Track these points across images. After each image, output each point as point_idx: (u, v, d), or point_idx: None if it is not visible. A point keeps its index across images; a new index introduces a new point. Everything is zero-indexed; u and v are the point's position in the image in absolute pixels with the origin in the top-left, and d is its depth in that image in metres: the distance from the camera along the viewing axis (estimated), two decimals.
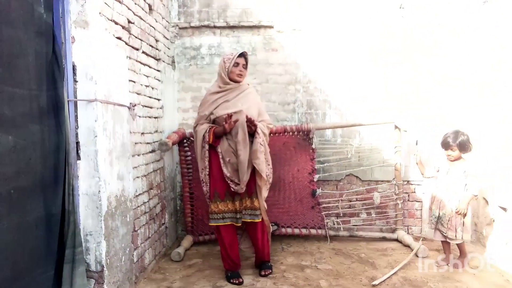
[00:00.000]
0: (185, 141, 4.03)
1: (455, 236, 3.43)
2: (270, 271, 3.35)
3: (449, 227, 3.43)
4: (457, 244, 3.51)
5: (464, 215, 3.41)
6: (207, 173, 3.18)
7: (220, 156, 3.14)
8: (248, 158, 3.07)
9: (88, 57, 2.43)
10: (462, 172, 3.42)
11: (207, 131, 3.13)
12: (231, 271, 3.25)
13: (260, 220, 3.21)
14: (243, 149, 3.06)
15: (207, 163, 3.16)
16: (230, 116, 3.04)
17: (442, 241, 3.57)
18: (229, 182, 3.13)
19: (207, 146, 3.14)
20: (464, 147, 3.38)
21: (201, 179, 3.23)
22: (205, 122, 3.20)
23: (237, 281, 3.15)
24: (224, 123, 3.05)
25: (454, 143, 3.38)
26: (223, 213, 3.18)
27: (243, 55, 3.21)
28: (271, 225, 4.05)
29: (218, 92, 3.21)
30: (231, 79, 3.19)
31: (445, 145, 3.45)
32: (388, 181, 4.34)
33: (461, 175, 3.42)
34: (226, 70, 3.17)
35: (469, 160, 3.48)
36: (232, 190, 3.14)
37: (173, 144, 3.73)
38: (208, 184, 3.19)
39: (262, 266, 3.37)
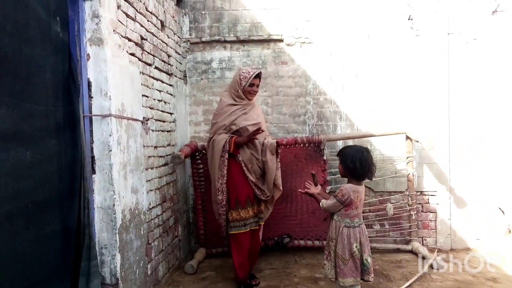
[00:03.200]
0: (197, 154, 4.07)
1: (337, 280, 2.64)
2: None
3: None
4: None
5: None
6: (225, 181, 3.19)
7: (243, 164, 3.21)
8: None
9: (103, 74, 2.50)
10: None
11: (227, 140, 3.18)
12: (244, 283, 3.26)
13: (263, 222, 3.43)
14: (271, 168, 3.27)
15: (225, 171, 3.19)
16: (259, 128, 3.18)
17: None
18: (254, 187, 3.24)
19: (226, 155, 3.17)
20: (344, 161, 2.63)
21: (216, 187, 3.22)
22: (223, 132, 3.24)
23: None
24: (251, 134, 3.17)
25: (340, 152, 2.73)
26: (245, 220, 3.21)
27: (258, 76, 3.30)
28: (284, 237, 4.07)
29: (235, 105, 3.28)
30: (244, 96, 3.30)
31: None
32: (401, 192, 4.31)
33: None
34: (242, 87, 3.25)
35: (351, 187, 2.59)
36: (256, 195, 3.27)
37: (185, 157, 3.77)
38: (225, 193, 3.21)
39: (251, 276, 3.43)
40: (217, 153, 3.18)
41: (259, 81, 3.36)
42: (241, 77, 3.26)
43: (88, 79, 2.47)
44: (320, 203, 2.71)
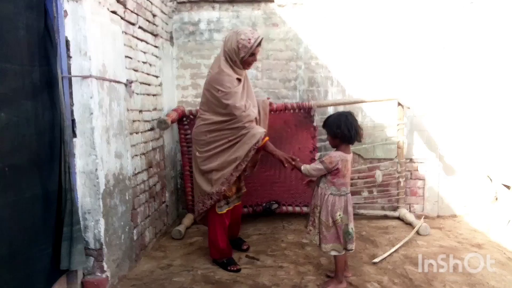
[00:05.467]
0: (184, 119, 3.98)
1: (320, 246, 2.74)
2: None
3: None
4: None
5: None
6: (238, 174, 2.89)
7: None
8: None
9: (82, 32, 2.37)
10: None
11: (262, 136, 2.82)
12: (226, 258, 3.08)
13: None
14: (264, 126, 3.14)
15: (243, 166, 2.88)
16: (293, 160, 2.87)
17: None
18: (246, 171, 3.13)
19: (253, 152, 2.83)
20: (331, 129, 2.64)
21: (225, 177, 2.87)
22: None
23: (235, 268, 3.00)
24: (283, 158, 2.87)
25: (324, 124, 2.73)
26: (228, 198, 3.04)
27: (260, 44, 2.84)
28: (272, 203, 4.06)
29: (239, 79, 2.87)
30: (242, 66, 2.89)
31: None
32: (390, 159, 4.29)
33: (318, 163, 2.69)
34: (240, 58, 2.80)
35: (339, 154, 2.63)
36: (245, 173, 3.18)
37: (172, 122, 3.68)
38: (230, 184, 2.91)
39: (240, 241, 3.44)
40: (247, 146, 2.79)
41: (260, 48, 2.90)
42: (240, 46, 2.75)
43: (66, 37, 2.34)
44: (303, 168, 2.71)
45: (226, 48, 2.82)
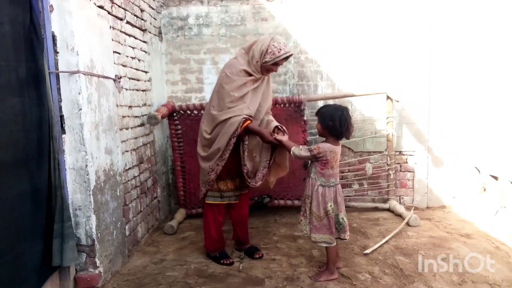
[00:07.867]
0: (175, 114, 3.97)
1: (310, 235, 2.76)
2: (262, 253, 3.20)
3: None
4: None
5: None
6: (223, 164, 2.83)
7: (246, 151, 2.83)
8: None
9: (68, 27, 2.34)
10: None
11: (241, 123, 2.74)
12: (219, 251, 3.10)
13: (247, 191, 3.16)
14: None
15: (227, 156, 2.80)
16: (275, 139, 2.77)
17: None
18: (246, 177, 2.87)
19: (234, 139, 2.76)
20: (323, 119, 2.64)
21: (210, 168, 2.85)
22: (232, 105, 2.79)
23: (228, 262, 3.01)
24: (268, 138, 2.77)
25: (318, 112, 2.72)
26: (221, 192, 2.98)
27: (287, 59, 2.86)
28: (264, 197, 4.07)
29: (249, 74, 2.82)
30: (260, 70, 2.84)
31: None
32: (380, 152, 4.33)
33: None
34: (263, 61, 2.76)
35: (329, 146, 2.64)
36: (249, 183, 2.91)
37: (162, 117, 3.67)
38: (218, 173, 2.87)
39: (254, 249, 3.20)
40: (227, 136, 2.75)
41: (285, 62, 2.94)
42: (269, 50, 2.73)
43: (53, 32, 2.32)
44: (292, 150, 2.70)
45: (256, 46, 2.81)
